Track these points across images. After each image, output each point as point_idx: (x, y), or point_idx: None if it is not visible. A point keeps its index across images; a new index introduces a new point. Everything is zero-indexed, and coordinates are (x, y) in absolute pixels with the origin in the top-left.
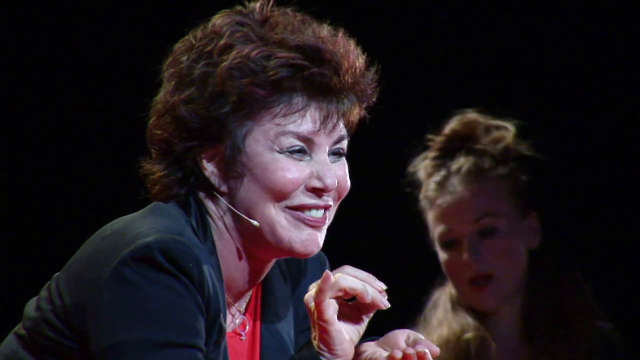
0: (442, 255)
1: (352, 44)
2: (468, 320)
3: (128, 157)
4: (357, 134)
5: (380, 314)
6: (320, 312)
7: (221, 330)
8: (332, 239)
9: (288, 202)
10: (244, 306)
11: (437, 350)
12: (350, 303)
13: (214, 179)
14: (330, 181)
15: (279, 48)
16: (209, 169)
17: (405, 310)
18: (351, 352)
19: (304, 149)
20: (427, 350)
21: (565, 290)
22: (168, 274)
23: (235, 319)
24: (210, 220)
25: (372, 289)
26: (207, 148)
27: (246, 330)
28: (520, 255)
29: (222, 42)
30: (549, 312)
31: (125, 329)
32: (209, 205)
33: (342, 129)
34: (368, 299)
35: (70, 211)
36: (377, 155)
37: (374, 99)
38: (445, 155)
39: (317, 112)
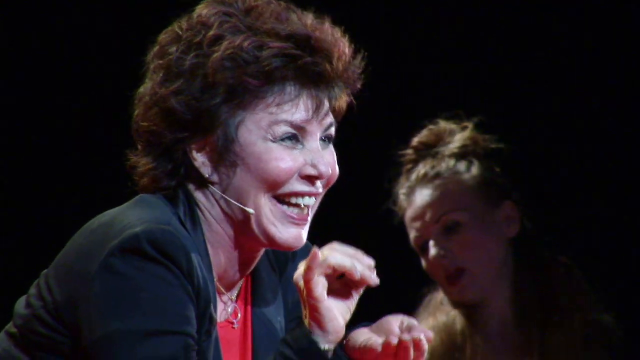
0: (422, 261)
1: (338, 32)
2: (456, 313)
3: (120, 154)
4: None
5: (376, 311)
6: (309, 289)
7: (212, 320)
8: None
9: (280, 191)
10: (236, 295)
11: (431, 335)
12: (339, 280)
13: (205, 170)
14: (324, 168)
15: (270, 38)
16: (199, 159)
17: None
18: (342, 329)
19: (297, 137)
20: (422, 337)
21: (553, 275)
22: (157, 263)
23: (227, 308)
24: (199, 212)
25: (361, 265)
26: (198, 139)
27: (238, 319)
28: (492, 245)
29: (211, 33)
30: (539, 299)
31: (116, 319)
32: (198, 196)
33: (332, 116)
34: (357, 276)
35: (57, 210)
36: (376, 155)
37: (360, 86)
38: (414, 166)
39: (309, 100)
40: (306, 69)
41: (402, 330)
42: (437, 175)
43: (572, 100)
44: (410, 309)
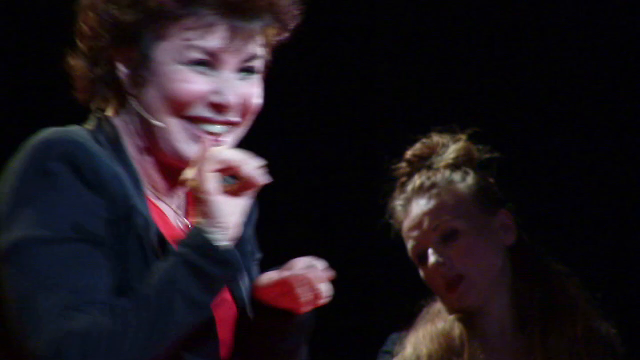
0: (420, 271)
1: None
2: (454, 319)
3: None
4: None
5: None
6: (201, 182)
7: (137, 224)
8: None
9: (186, 113)
10: (183, 206)
11: (332, 274)
12: (232, 185)
13: (126, 82)
14: (231, 98)
15: None
16: (123, 71)
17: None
18: (237, 225)
19: (210, 63)
20: (315, 276)
21: (553, 283)
22: (57, 172)
23: (177, 220)
24: (122, 122)
25: (251, 163)
26: (122, 50)
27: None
28: (490, 252)
29: None
30: (539, 306)
31: (16, 229)
32: (122, 109)
33: (253, 48)
34: (246, 172)
35: None
36: (369, 172)
37: (295, 23)
38: (409, 179)
39: (225, 29)
40: None
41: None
42: (433, 186)
43: (565, 108)
44: (408, 321)
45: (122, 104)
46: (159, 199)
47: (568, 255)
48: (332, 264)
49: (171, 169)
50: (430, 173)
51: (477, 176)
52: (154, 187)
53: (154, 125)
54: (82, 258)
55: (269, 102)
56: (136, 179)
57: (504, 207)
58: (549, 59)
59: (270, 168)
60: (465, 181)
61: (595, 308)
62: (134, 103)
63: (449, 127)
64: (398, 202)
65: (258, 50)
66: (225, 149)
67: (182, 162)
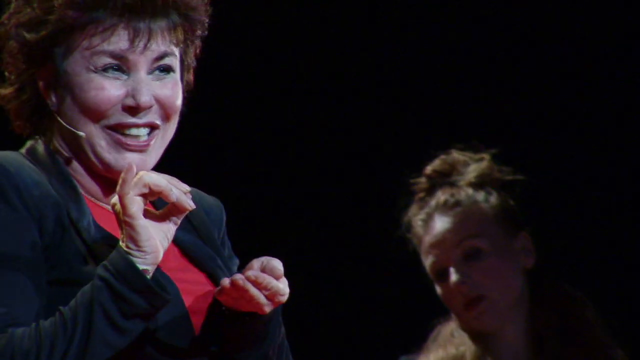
0: (438, 288)
1: None
2: (468, 342)
3: None
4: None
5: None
6: (124, 206)
7: (66, 231)
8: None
9: (106, 122)
10: None
11: (280, 291)
12: (158, 211)
13: (49, 100)
14: (145, 99)
15: None
16: (45, 90)
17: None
18: (159, 251)
19: (120, 67)
20: (258, 275)
21: (569, 310)
22: None
23: None
24: (55, 140)
25: (177, 189)
26: (41, 71)
27: None
28: (511, 274)
29: None
30: (556, 332)
31: None
32: (52, 125)
33: (163, 46)
34: (173, 198)
35: None
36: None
37: (205, 21)
38: (429, 194)
39: (128, 30)
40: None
41: (260, 268)
42: (457, 204)
43: (587, 131)
44: (418, 343)
45: (51, 123)
46: (102, 202)
47: (585, 281)
48: (340, 281)
49: (107, 177)
50: (454, 190)
51: (499, 197)
52: (94, 195)
53: (79, 137)
54: (6, 281)
55: (285, 111)
56: (73, 187)
57: (524, 229)
58: (572, 83)
59: (285, 180)
60: (488, 201)
61: (611, 335)
62: (58, 119)
63: (470, 144)
64: (418, 217)
65: (171, 48)
66: (152, 173)
67: (109, 171)
